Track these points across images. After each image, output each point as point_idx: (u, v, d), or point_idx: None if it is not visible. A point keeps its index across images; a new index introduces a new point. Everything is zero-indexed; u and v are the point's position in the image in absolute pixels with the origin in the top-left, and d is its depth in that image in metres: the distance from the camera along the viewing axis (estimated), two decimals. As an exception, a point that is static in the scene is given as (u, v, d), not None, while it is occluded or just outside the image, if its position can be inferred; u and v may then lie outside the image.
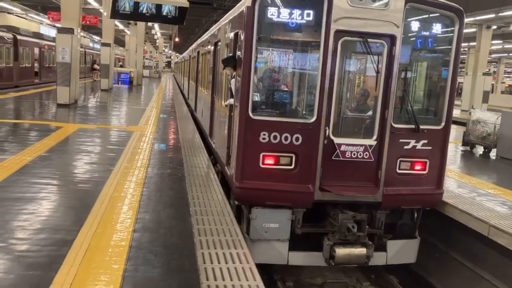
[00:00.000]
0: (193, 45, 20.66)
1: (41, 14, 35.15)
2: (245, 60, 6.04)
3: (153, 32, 48.99)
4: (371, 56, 6.20)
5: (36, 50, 29.73)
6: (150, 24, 36.01)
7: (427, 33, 6.55)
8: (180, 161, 8.48)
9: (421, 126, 6.42)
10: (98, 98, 21.51)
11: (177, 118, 14.81)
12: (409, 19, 6.27)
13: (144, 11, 9.66)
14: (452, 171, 9.59)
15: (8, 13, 37.30)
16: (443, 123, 6.62)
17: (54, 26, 35.54)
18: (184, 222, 5.30)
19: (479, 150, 12.17)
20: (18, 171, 6.93)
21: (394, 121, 6.30)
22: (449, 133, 6.73)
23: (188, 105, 19.19)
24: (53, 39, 25.87)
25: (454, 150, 12.77)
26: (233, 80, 6.88)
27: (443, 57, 6.74)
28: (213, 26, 11.78)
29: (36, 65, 29.75)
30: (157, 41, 58.58)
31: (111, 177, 6.93)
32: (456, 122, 20.64)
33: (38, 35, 32.05)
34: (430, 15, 6.49)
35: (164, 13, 9.75)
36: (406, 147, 6.43)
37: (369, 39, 6.12)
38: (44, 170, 7.30)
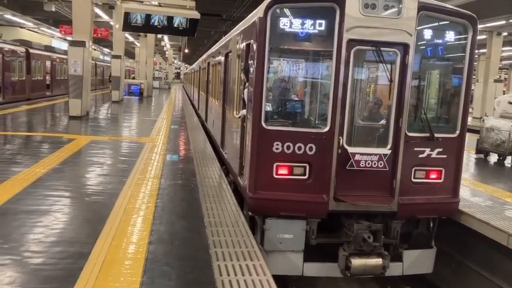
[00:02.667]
0: (204, 56, 20.70)
1: (53, 27, 35.64)
2: (257, 70, 6.07)
3: (162, 43, 49.37)
4: (384, 64, 6.17)
5: (48, 63, 30.06)
6: (159, 36, 36.33)
7: (440, 41, 6.52)
8: (192, 171, 8.46)
9: (436, 135, 6.36)
10: (109, 109, 21.65)
11: (187, 129, 14.83)
12: (422, 27, 6.21)
13: (156, 23, 9.71)
14: (466, 180, 9.46)
15: (21, 27, 37.91)
16: (458, 131, 6.56)
17: (66, 40, 36.04)
18: (199, 233, 5.26)
19: (494, 158, 12.02)
20: (32, 184, 6.95)
21: (408, 130, 6.26)
22: (464, 141, 6.66)
23: (198, 116, 19.22)
24: (65, 52, 26.18)
25: (468, 158, 12.62)
26: (246, 90, 6.89)
27: (457, 65, 6.68)
28: (224, 37, 11.83)
29: (48, 77, 30.06)
30: (166, 52, 59.04)
31: (124, 189, 6.93)
32: (468, 130, 20.43)
33: (49, 49, 32.41)
34: (443, 23, 6.44)
35: (175, 25, 9.80)
36: (421, 155, 6.37)
37: (381, 48, 6.08)
38: (58, 182, 7.32)
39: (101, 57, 57.71)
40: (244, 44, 7.28)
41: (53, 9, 25.44)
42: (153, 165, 8.79)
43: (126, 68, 39.78)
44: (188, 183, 7.62)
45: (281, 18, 6.00)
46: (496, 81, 26.72)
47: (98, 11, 25.53)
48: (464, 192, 8.38)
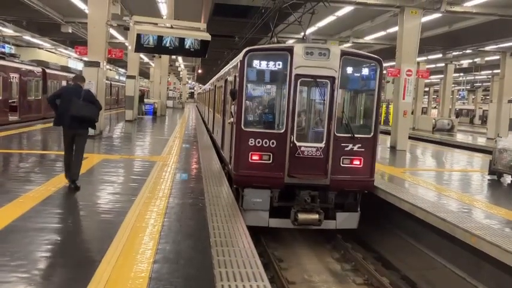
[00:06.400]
0: (213, 80, 23.62)
1: (69, 48, 36.45)
2: (239, 93, 9.25)
3: (176, 64, 50.11)
4: (319, 89, 9.31)
5: (64, 83, 30.56)
6: (173, 56, 36.84)
7: (358, 74, 9.59)
8: (201, 191, 8.50)
9: (356, 135, 9.33)
10: (123, 128, 21.89)
11: (199, 148, 14.92)
12: (344, 65, 9.22)
13: (168, 44, 9.83)
14: (479, 201, 9.34)
15: (39, 48, 38.85)
16: (372, 133, 9.52)
17: (82, 60, 36.75)
18: (204, 253, 5.27)
19: (507, 179, 11.85)
20: (42, 202, 7.05)
21: (337, 131, 9.25)
22: (377, 140, 9.77)
23: (208, 130, 21.20)
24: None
25: (481, 179, 12.46)
26: (233, 105, 9.74)
27: (370, 90, 9.71)
28: (225, 67, 15.23)
29: (63, 97, 30.49)
30: (180, 72, 59.83)
31: (133, 208, 6.98)
32: (482, 151, 20.24)
33: (65, 69, 33.03)
34: (359, 62, 9.47)
35: (187, 46, 9.91)
36: (346, 149, 9.32)
37: (317, 80, 9.16)
38: (68, 200, 7.42)
39: (117, 77, 58.60)
40: (233, 75, 10.34)
41: (70, 31, 26.06)
42: (163, 184, 8.86)
43: (140, 87, 40.28)
44: (196, 203, 7.65)
45: (254, 60, 9.16)
46: (510, 101, 26.43)
47: (113, 32, 26.08)
48: (476, 214, 8.33)
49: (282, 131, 9.09)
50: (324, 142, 9.19)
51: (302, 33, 10.83)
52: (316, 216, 9.13)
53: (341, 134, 9.25)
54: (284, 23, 17.30)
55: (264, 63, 9.15)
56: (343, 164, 9.26)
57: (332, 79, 9.08)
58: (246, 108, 9.31)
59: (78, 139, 8.13)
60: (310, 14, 12.05)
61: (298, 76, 9.03)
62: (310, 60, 9.01)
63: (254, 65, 9.13)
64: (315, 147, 9.14)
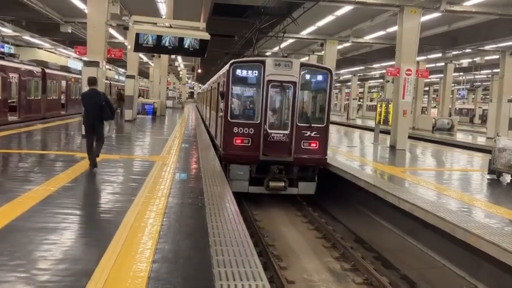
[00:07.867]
0: (209, 82, 27.41)
1: (69, 48, 36.41)
2: (226, 93, 12.49)
3: (176, 63, 50.06)
4: (285, 91, 12.43)
5: (64, 83, 30.57)
6: (173, 56, 36.80)
7: (314, 80, 12.89)
8: (200, 190, 8.48)
9: (313, 125, 12.47)
10: (122, 128, 21.86)
11: (198, 148, 14.90)
12: (302, 73, 12.43)
13: (167, 44, 9.80)
14: (478, 201, 9.34)
15: (38, 48, 38.80)
16: (325, 123, 12.66)
17: (81, 60, 36.71)
18: (204, 252, 5.26)
19: (507, 178, 11.85)
20: (42, 202, 7.04)
21: (298, 121, 12.40)
22: (328, 128, 12.84)
23: (206, 126, 23.36)
24: (80, 72, 26.60)
25: (480, 178, 12.45)
26: (222, 103, 12.84)
27: (323, 91, 12.79)
28: (218, 72, 19.10)
29: (62, 97, 30.48)
30: (180, 72, 59.75)
31: (132, 207, 6.96)
32: (482, 150, 20.25)
33: (65, 68, 32.97)
34: (314, 71, 12.83)
35: (186, 46, 9.87)
36: (305, 135, 12.46)
37: (283, 84, 12.32)
38: (67, 200, 7.39)
39: (116, 77, 58.48)
40: (222, 79, 13.71)
41: (69, 31, 26.02)
42: (162, 183, 8.84)
43: (140, 87, 40.25)
44: (196, 202, 7.64)
45: (237, 69, 12.38)
46: (510, 101, 26.39)
47: (112, 32, 26.04)
48: (475, 212, 8.32)
49: (258, 121, 12.32)
50: (288, 130, 12.38)
51: (277, 48, 15.98)
52: (282, 184, 12.39)
53: (301, 124, 12.43)
54: (262, 42, 22.38)
55: (244, 71, 12.42)
56: (303, 146, 12.43)
57: (294, 83, 12.27)
58: (231, 105, 12.53)
59: (98, 129, 10.13)
60: (283, 33, 15.53)
61: (269, 81, 12.21)
62: (278, 70, 12.20)
63: (237, 73, 12.37)
64: (282, 133, 12.36)
